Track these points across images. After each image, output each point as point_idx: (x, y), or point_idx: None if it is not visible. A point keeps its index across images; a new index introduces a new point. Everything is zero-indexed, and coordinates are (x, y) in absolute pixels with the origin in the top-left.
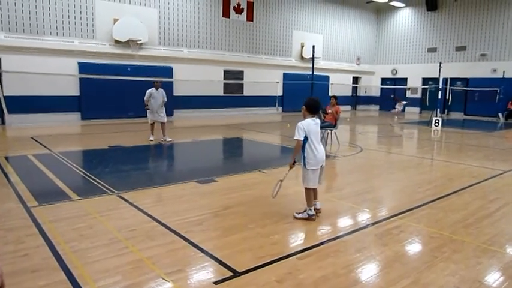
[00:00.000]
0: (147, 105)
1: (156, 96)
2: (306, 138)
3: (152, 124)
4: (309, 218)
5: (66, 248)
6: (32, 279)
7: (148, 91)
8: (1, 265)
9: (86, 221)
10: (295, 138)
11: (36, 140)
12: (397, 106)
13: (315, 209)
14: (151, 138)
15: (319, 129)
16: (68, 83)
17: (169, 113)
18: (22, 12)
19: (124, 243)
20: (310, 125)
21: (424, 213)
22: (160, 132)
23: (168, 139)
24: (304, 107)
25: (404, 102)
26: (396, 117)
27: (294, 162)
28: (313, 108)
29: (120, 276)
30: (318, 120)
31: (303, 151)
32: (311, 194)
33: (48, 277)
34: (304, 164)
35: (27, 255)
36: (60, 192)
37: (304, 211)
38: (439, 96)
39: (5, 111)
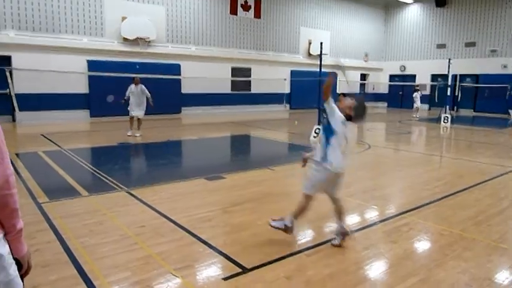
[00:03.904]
0: (125, 100)
1: (134, 92)
2: (332, 132)
3: (131, 118)
4: (286, 230)
5: (77, 244)
6: (44, 273)
7: (128, 88)
8: (28, 248)
9: (96, 217)
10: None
11: (46, 137)
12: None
13: (343, 233)
14: (129, 133)
15: (346, 135)
16: (77, 81)
17: (177, 110)
18: (32, 10)
19: (133, 239)
20: (340, 121)
21: (434, 211)
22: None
23: (137, 134)
24: (344, 102)
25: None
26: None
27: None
28: (356, 113)
29: (129, 272)
30: (349, 125)
31: (326, 146)
32: (307, 204)
33: (59, 272)
34: (323, 159)
35: (39, 251)
36: (70, 188)
37: (281, 219)
38: (448, 93)
39: (16, 108)
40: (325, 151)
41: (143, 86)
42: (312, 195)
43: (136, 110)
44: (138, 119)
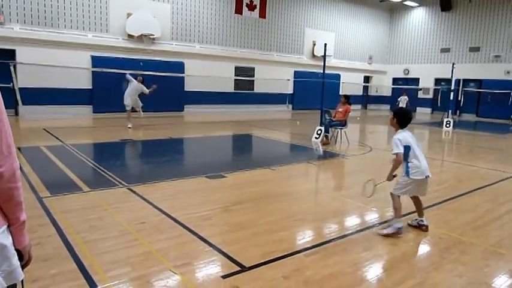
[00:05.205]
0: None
1: (132, 85)
2: (408, 148)
3: (128, 111)
4: (396, 233)
5: (77, 239)
6: (44, 267)
7: (131, 78)
8: (30, 239)
9: (97, 212)
10: (394, 152)
11: (48, 132)
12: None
13: (421, 225)
14: (129, 125)
15: (416, 142)
16: (81, 76)
17: (179, 108)
18: (37, 4)
19: (134, 235)
20: (407, 137)
21: (433, 214)
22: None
23: (129, 126)
24: (393, 117)
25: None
26: None
27: (394, 176)
28: (404, 120)
29: (129, 268)
30: (409, 133)
31: (406, 160)
32: (400, 202)
33: (59, 266)
34: (408, 173)
35: (40, 244)
36: (72, 183)
37: (390, 226)
38: (451, 97)
39: (19, 102)
40: (407, 165)
41: (143, 86)
42: (399, 196)
43: (129, 103)
44: (128, 111)
